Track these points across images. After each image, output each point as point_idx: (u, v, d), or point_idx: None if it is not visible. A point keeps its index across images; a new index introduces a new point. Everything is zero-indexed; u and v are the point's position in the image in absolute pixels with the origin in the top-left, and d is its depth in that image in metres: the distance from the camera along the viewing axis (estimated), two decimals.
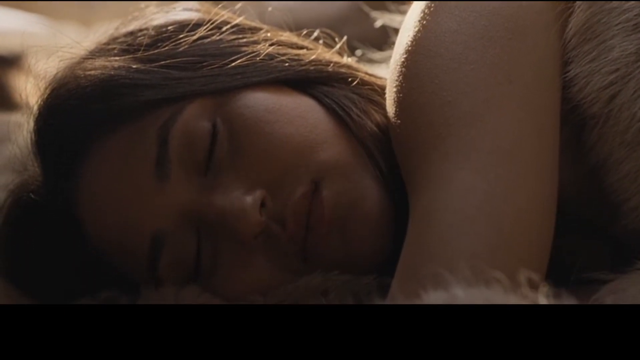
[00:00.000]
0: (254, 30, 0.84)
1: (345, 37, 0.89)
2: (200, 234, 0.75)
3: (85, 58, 0.82)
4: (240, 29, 0.83)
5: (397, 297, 0.57)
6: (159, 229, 0.75)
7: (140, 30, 0.84)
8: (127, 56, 0.80)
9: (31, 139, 0.82)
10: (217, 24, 0.83)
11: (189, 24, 0.82)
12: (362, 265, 0.74)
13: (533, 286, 0.53)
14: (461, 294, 0.54)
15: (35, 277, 0.80)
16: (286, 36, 0.85)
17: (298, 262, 0.74)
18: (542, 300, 0.53)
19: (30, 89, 0.87)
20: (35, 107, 0.82)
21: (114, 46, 0.82)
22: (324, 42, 0.88)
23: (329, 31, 0.89)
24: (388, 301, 0.59)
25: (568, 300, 0.54)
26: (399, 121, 0.72)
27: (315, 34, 0.88)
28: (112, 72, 0.77)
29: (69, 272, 0.80)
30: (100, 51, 0.82)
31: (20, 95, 0.91)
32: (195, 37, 0.80)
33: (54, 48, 0.84)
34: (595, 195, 0.73)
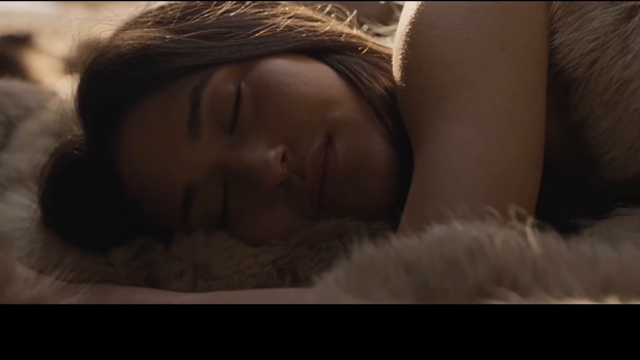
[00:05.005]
0: (274, 4, 0.92)
1: (355, 11, 0.98)
2: (227, 186, 0.84)
3: (122, 30, 0.90)
4: (261, 4, 0.91)
5: (406, 230, 0.66)
6: (191, 182, 0.83)
7: (170, 5, 0.93)
8: (160, 28, 0.88)
9: (75, 103, 0.90)
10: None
11: (215, 2, 0.91)
12: (372, 212, 0.83)
13: (521, 219, 0.62)
14: (460, 228, 0.63)
15: (79, 227, 0.89)
16: (302, 10, 0.94)
17: (315, 209, 0.83)
18: (529, 231, 0.61)
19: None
20: (79, 74, 0.89)
21: (148, 19, 0.91)
22: (336, 15, 0.97)
23: (339, 6, 0.98)
24: (398, 234, 0.68)
25: (551, 234, 0.62)
26: (404, 84, 0.81)
27: (328, 8, 0.97)
28: (149, 42, 0.86)
29: (109, 221, 0.88)
30: (136, 23, 0.91)
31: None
32: (221, 11, 0.89)
33: (93, 21, 0.92)
34: (578, 149, 0.82)
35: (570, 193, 0.85)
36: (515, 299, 0.54)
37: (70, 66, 2.45)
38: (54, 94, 1.19)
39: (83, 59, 0.89)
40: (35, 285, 0.66)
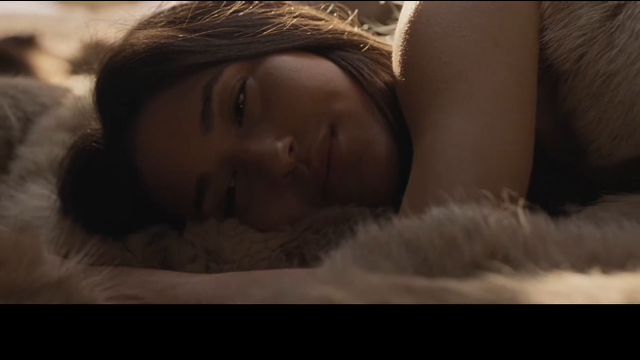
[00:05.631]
0: (280, 4, 0.97)
1: (356, 10, 1.03)
2: (237, 176, 0.89)
3: (137, 29, 0.95)
4: (267, 3, 0.97)
5: (407, 212, 0.71)
6: (203, 172, 0.88)
7: (181, 5, 0.98)
8: (173, 27, 0.93)
9: (93, 98, 0.95)
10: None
11: (224, 2, 0.96)
12: (374, 199, 0.88)
13: (513, 201, 0.67)
14: (457, 210, 0.68)
15: (98, 215, 0.94)
16: (306, 9, 0.99)
17: (320, 197, 0.88)
18: (520, 212, 0.66)
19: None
20: (96, 71, 0.94)
21: (161, 19, 0.96)
22: (338, 14, 1.02)
23: (341, 5, 1.03)
24: (399, 215, 0.73)
25: (541, 215, 0.68)
26: (403, 79, 0.86)
27: (330, 7, 1.02)
28: (163, 41, 0.91)
29: (126, 210, 0.93)
30: (149, 23, 0.96)
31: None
32: (230, 11, 0.94)
33: (107, 22, 0.97)
34: (566, 138, 0.87)
35: (559, 181, 0.90)
36: (507, 271, 0.59)
37: (75, 67, 2.50)
38: (67, 90, 1.24)
39: (100, 58, 0.94)
40: (61, 266, 0.71)
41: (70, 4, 3.79)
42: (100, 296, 0.70)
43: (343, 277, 0.58)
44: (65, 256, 0.83)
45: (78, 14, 3.57)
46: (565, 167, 0.90)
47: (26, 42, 2.68)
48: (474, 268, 0.61)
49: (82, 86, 1.20)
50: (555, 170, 0.90)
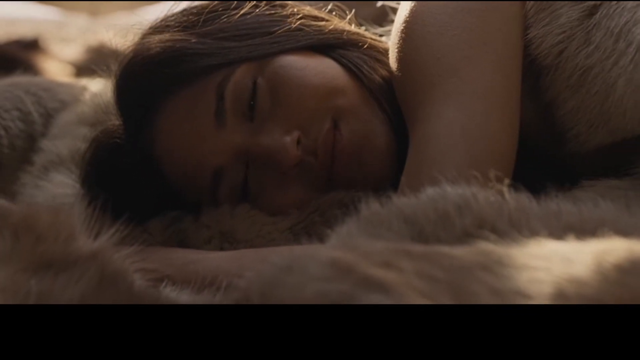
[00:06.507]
0: (283, 4, 1.05)
1: (353, 10, 1.11)
2: (249, 168, 0.97)
3: (150, 33, 1.03)
4: (272, 5, 1.05)
5: (405, 191, 0.79)
6: (218, 164, 0.97)
7: (191, 8, 1.05)
8: (186, 31, 1.01)
9: (114, 97, 1.03)
10: (255, 2, 1.04)
11: (233, 4, 1.04)
12: (374, 185, 0.96)
13: (499, 181, 0.75)
14: (449, 188, 0.76)
15: (119, 202, 1.01)
16: (308, 10, 1.07)
17: (325, 184, 0.96)
18: (505, 190, 0.74)
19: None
20: (116, 72, 1.02)
21: (174, 23, 1.03)
22: (337, 14, 1.10)
23: (340, 4, 1.11)
24: (398, 194, 0.81)
25: (524, 193, 0.75)
26: (400, 74, 0.94)
27: (329, 6, 1.10)
28: (178, 45, 0.98)
29: (145, 197, 1.01)
30: (163, 27, 1.04)
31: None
32: (239, 15, 1.02)
33: (127, 27, 1.05)
34: (548, 126, 0.95)
35: (541, 169, 0.98)
36: (494, 239, 0.67)
37: (78, 69, 2.56)
38: (84, 88, 1.32)
39: (119, 60, 1.02)
40: (95, 241, 0.78)
41: (71, 8, 3.87)
42: (130, 267, 0.77)
43: (350, 243, 0.66)
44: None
45: (79, 19, 3.65)
46: (547, 155, 0.98)
47: (31, 45, 2.76)
48: (464, 237, 0.69)
49: (95, 85, 1.29)
50: (537, 158, 0.98)
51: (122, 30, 1.08)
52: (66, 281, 0.73)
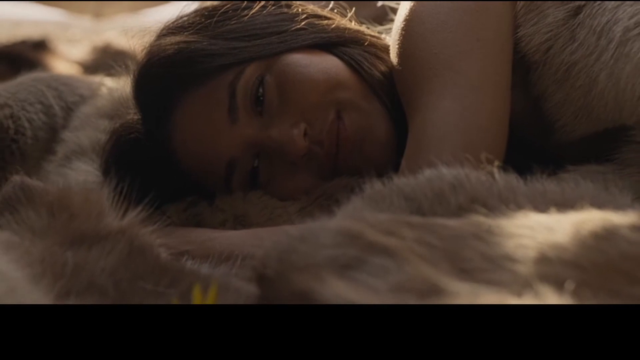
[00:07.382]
0: (289, 5, 1.13)
1: (354, 9, 1.19)
2: (260, 158, 1.05)
3: (167, 34, 1.10)
4: (279, 5, 1.12)
5: (404, 172, 0.87)
6: (232, 156, 1.04)
7: (202, 9, 1.13)
8: (199, 33, 1.08)
9: (132, 94, 1.11)
10: (263, 3, 1.12)
11: (242, 4, 1.11)
12: (375, 171, 1.03)
13: (490, 163, 0.83)
14: (445, 170, 0.84)
15: (139, 191, 1.09)
16: (312, 9, 1.15)
17: (330, 172, 1.04)
18: (495, 171, 0.82)
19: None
20: (135, 72, 1.10)
21: (187, 25, 1.10)
22: (338, 12, 1.18)
23: (341, 3, 1.19)
24: (399, 175, 0.88)
25: (512, 175, 0.83)
26: (400, 68, 1.02)
27: (331, 5, 1.18)
28: (192, 46, 1.06)
29: (163, 186, 1.08)
30: (179, 28, 1.11)
31: None
32: (248, 16, 1.09)
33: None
34: (536, 118, 1.03)
35: (531, 156, 1.06)
36: (484, 212, 0.74)
37: (85, 69, 2.64)
38: (101, 84, 1.39)
39: (136, 60, 1.09)
40: (123, 218, 0.86)
41: (76, 9, 3.93)
42: (156, 242, 0.85)
43: (356, 215, 0.74)
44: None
45: (83, 20, 3.73)
46: (535, 144, 1.06)
47: (39, 45, 2.84)
48: (458, 211, 0.77)
49: (110, 81, 1.36)
50: (527, 147, 1.06)
51: (126, 31, 1.14)
52: (99, 253, 0.81)
